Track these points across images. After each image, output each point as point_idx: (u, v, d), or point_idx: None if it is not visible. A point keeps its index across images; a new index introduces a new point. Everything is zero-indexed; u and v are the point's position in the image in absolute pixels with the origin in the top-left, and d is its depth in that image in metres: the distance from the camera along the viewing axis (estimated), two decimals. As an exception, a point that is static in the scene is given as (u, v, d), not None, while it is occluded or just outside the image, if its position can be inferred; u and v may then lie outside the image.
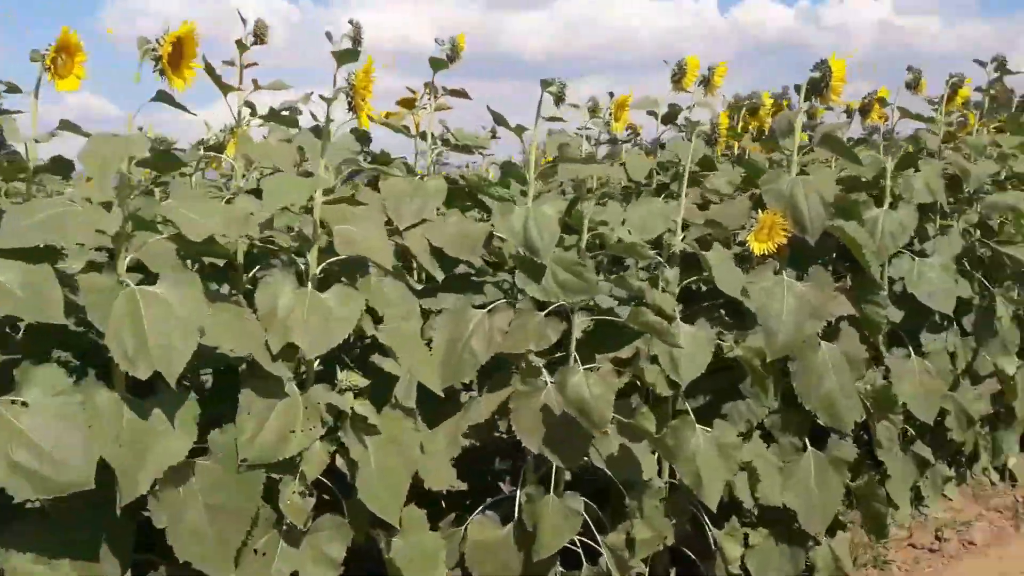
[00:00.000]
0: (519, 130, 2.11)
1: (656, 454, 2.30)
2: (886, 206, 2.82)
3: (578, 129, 2.81)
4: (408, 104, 2.31)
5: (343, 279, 1.87)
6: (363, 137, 2.31)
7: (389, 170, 2.19)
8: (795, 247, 2.40)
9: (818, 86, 2.40)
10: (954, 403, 3.02)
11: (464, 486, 1.99)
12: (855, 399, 2.47)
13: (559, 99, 2.09)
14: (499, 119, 2.12)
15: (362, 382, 1.78)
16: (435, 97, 2.26)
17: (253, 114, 2.10)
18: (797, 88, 2.43)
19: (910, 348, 2.89)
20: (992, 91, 2.93)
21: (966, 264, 3.19)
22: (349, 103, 1.71)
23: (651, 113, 2.76)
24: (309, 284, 1.77)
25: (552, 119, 2.14)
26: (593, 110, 2.86)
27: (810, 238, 2.32)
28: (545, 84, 2.08)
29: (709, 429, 2.29)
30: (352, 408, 1.74)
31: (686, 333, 2.26)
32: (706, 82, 2.57)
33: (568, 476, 2.18)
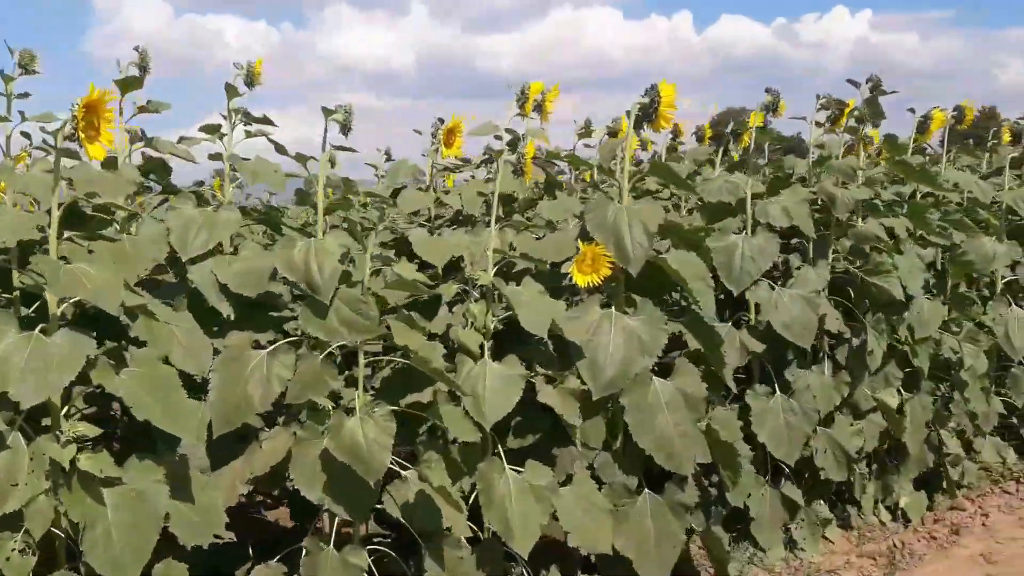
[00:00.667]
0: (301, 159, 2.00)
1: (470, 501, 2.17)
2: (747, 232, 2.71)
3: (423, 154, 2.71)
4: (211, 131, 2.21)
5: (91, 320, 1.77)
6: (159, 167, 2.21)
7: (178, 200, 2.09)
8: (633, 279, 2.28)
9: (648, 112, 2.29)
10: (828, 439, 2.87)
11: (231, 536, 1.87)
12: (694, 438, 2.33)
13: (345, 128, 1.99)
14: (280, 148, 2.02)
15: (92, 431, 1.67)
16: (233, 124, 2.16)
17: (31, 144, 2.01)
18: (627, 114, 2.32)
19: (775, 384, 2.76)
20: (857, 112, 2.79)
21: (851, 292, 3.06)
22: (72, 133, 1.61)
23: (497, 138, 2.65)
24: (37, 328, 1.67)
25: (341, 148, 2.04)
26: (435, 135, 2.75)
27: (632, 269, 2.20)
28: (327, 112, 1.98)
29: (521, 470, 2.16)
30: (74, 461, 1.62)
31: (493, 371, 2.14)
32: (539, 108, 2.47)
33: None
